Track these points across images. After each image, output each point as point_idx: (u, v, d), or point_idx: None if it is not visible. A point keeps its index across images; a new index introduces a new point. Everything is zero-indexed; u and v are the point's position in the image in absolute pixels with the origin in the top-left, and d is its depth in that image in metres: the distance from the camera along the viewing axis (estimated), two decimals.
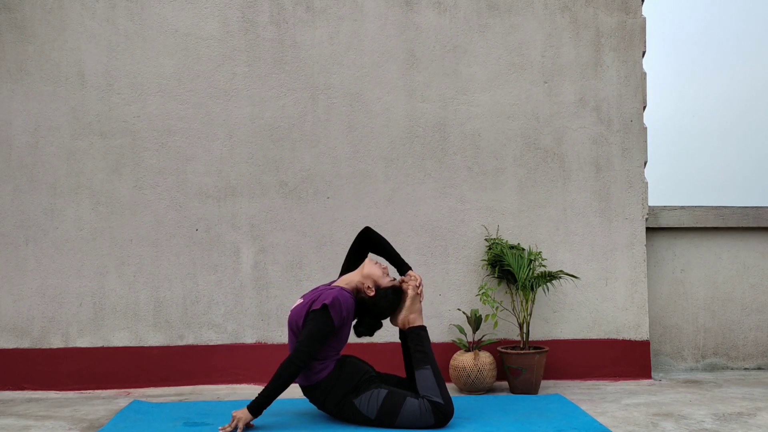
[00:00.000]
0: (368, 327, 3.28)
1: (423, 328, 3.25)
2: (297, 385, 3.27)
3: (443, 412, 3.06)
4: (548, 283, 4.06)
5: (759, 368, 4.56)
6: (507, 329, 4.20)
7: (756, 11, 9.04)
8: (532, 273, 4.00)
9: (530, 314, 4.02)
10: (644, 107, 4.41)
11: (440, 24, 4.35)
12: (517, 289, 4.03)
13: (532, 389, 3.87)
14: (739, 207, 4.55)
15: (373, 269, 3.22)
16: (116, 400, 3.81)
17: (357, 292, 3.24)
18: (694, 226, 4.52)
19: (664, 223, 4.49)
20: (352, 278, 3.26)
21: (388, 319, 3.30)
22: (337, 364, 3.16)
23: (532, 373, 3.86)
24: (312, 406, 3.44)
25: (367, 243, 3.41)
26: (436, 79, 4.33)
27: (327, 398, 3.14)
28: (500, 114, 4.34)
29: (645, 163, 4.39)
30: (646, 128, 4.40)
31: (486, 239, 4.28)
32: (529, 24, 4.37)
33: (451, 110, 4.33)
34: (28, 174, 4.21)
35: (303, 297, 3.23)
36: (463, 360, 3.88)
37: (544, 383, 4.12)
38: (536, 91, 4.36)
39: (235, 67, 4.29)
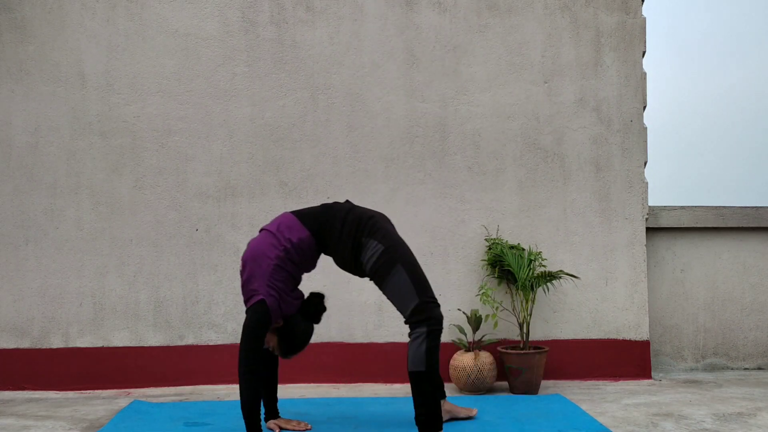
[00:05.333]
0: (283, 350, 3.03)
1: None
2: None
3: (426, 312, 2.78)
4: (548, 283, 4.06)
5: (759, 368, 4.56)
6: (507, 329, 4.20)
7: (756, 11, 9.04)
8: (532, 273, 4.00)
9: (530, 314, 4.02)
10: (644, 107, 4.41)
11: (440, 24, 4.35)
12: (517, 289, 4.03)
13: (532, 389, 3.87)
14: (739, 207, 4.55)
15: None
16: (116, 400, 3.81)
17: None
18: (694, 226, 4.52)
19: (664, 223, 4.49)
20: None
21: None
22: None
23: (532, 373, 3.86)
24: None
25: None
26: (436, 79, 4.33)
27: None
28: (500, 114, 4.34)
29: (645, 163, 4.39)
30: (646, 128, 4.40)
31: (486, 239, 4.28)
32: (529, 24, 4.37)
33: (451, 110, 4.33)
34: (28, 174, 4.21)
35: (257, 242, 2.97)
36: (463, 360, 3.88)
37: (544, 383, 4.12)
38: (536, 91, 4.35)
39: (235, 67, 4.29)
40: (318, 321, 3.10)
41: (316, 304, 3.08)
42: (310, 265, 3.07)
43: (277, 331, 3.00)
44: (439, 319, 2.80)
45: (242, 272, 2.94)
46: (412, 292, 2.80)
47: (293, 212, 3.04)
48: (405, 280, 2.81)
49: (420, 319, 2.77)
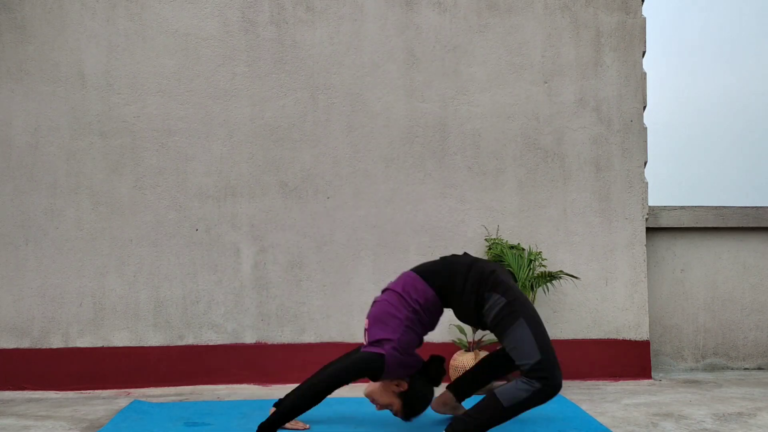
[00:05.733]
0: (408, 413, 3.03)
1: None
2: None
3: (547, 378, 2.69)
4: (548, 283, 4.06)
5: (759, 368, 4.56)
6: None
7: (755, 11, 9.04)
8: (532, 273, 4.00)
9: None
10: (644, 107, 4.41)
11: (440, 24, 4.35)
12: None
13: None
14: (739, 207, 4.55)
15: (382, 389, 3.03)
16: (116, 400, 3.81)
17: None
18: (694, 226, 4.52)
19: (664, 223, 4.49)
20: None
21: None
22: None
23: None
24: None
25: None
26: (436, 79, 4.33)
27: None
28: (500, 114, 4.34)
29: (645, 163, 4.39)
30: (646, 128, 4.40)
31: (486, 239, 4.28)
32: (529, 24, 4.37)
33: (451, 110, 4.33)
34: (28, 174, 4.21)
35: (384, 295, 2.99)
36: (463, 360, 3.88)
37: None
38: (536, 91, 4.35)
39: (235, 67, 4.29)
40: (438, 384, 3.08)
41: (437, 368, 3.06)
42: (434, 325, 3.06)
43: (401, 396, 2.99)
44: (558, 386, 2.74)
45: (367, 331, 2.93)
46: (535, 346, 2.74)
47: (415, 270, 3.02)
48: (527, 334, 2.76)
49: (540, 375, 2.71)
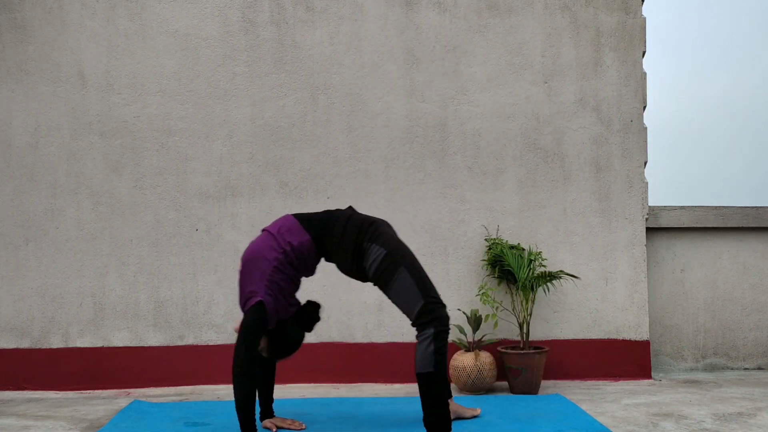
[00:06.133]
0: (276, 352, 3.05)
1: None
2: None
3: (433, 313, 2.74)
4: (548, 283, 4.06)
5: (759, 368, 4.56)
6: (507, 329, 4.20)
7: (755, 11, 9.05)
8: (532, 273, 4.00)
9: (530, 314, 4.02)
10: (644, 107, 4.41)
11: (440, 24, 4.35)
12: (517, 289, 4.04)
13: (532, 389, 3.87)
14: (739, 207, 4.55)
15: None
16: (116, 400, 3.81)
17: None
18: (694, 226, 4.52)
19: (664, 223, 4.49)
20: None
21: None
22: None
23: (532, 373, 3.86)
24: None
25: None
26: (436, 79, 4.33)
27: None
28: (500, 114, 4.34)
29: (645, 163, 4.39)
30: (646, 128, 4.40)
31: (486, 239, 4.28)
32: (529, 24, 4.37)
33: (451, 110, 4.33)
34: (28, 174, 4.21)
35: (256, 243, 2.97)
36: (463, 360, 3.89)
37: (544, 383, 4.12)
38: (536, 91, 4.36)
39: (235, 67, 4.29)
40: (310, 330, 3.09)
41: (310, 313, 3.07)
42: (310, 270, 3.06)
43: (268, 333, 2.99)
44: (446, 319, 2.78)
45: (241, 272, 2.94)
46: (417, 294, 2.78)
47: (295, 215, 3.03)
48: (409, 283, 2.79)
49: (426, 320, 2.74)
